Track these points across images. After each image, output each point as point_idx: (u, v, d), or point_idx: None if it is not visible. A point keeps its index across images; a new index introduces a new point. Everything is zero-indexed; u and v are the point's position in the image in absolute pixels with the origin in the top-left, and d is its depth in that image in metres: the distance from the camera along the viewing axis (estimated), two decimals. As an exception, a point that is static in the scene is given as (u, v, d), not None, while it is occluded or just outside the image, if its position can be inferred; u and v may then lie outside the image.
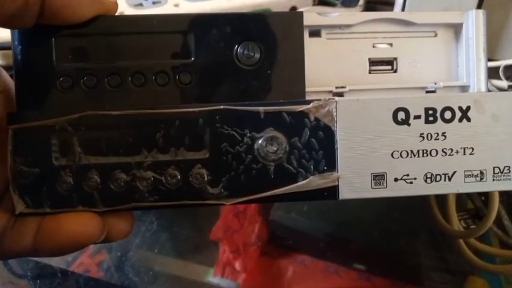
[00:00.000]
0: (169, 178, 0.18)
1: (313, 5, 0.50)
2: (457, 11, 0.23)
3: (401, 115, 0.19)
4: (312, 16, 0.22)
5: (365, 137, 0.19)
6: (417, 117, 0.19)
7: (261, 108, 0.18)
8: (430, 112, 0.19)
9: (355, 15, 0.22)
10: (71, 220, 0.18)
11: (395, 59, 0.23)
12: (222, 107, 0.18)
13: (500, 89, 0.42)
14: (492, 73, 0.43)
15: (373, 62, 0.23)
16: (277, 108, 0.18)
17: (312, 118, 0.19)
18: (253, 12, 0.22)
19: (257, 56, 0.21)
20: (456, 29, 0.23)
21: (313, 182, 0.19)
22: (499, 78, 0.43)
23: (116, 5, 0.21)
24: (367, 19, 0.22)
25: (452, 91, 0.23)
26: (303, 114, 0.19)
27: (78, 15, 0.19)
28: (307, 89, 0.22)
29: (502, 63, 0.44)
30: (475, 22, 0.23)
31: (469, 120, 0.19)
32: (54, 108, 0.19)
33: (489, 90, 0.29)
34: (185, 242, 0.39)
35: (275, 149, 0.18)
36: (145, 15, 0.21)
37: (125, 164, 0.18)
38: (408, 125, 0.19)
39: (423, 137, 0.19)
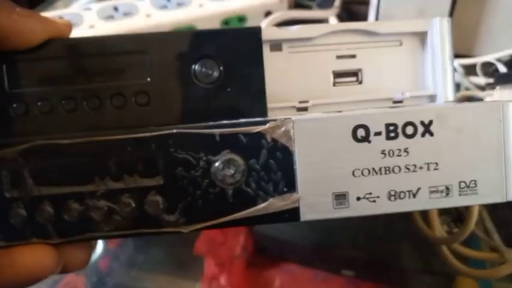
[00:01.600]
0: (123, 207, 0.18)
1: (289, 8, 0.49)
2: (421, 19, 0.23)
3: (361, 132, 0.18)
4: (272, 30, 0.21)
5: (324, 156, 0.18)
6: (378, 133, 0.18)
7: (216, 131, 0.18)
8: (391, 128, 0.18)
9: (316, 27, 0.22)
10: (26, 254, 0.17)
11: (360, 70, 0.23)
12: (174, 130, 0.18)
13: (478, 86, 0.42)
14: (470, 70, 0.44)
15: (337, 74, 0.23)
16: (233, 130, 0.18)
17: (269, 139, 0.18)
18: (209, 29, 0.21)
19: (216, 73, 0.20)
20: (421, 37, 0.23)
21: (274, 204, 0.18)
22: (476, 75, 0.43)
23: (69, 27, 0.20)
24: (329, 31, 0.22)
25: (420, 101, 0.23)
26: (260, 135, 0.18)
27: (29, 40, 0.19)
28: (269, 105, 0.21)
29: (479, 60, 0.44)
30: (439, 30, 0.22)
31: (431, 134, 0.18)
32: (9, 135, 0.19)
33: (466, 99, 0.29)
34: (168, 259, 0.38)
35: (232, 172, 0.18)
36: (98, 36, 0.20)
37: (79, 194, 0.18)
38: (369, 142, 0.18)
39: (385, 154, 0.18)
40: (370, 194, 0.18)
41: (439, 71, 0.22)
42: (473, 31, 0.46)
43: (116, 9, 0.45)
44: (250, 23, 0.47)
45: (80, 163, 0.18)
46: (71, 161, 0.18)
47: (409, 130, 0.18)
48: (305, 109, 0.22)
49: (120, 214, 0.18)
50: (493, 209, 0.32)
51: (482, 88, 0.42)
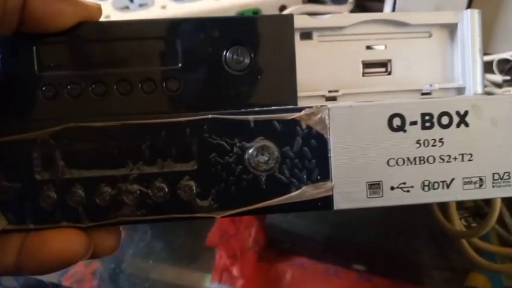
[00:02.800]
0: (156, 191, 0.17)
1: (303, 3, 0.49)
2: (452, 11, 0.22)
3: (397, 121, 0.18)
4: (302, 18, 0.21)
5: (359, 145, 0.18)
6: (414, 123, 0.18)
7: (251, 117, 0.18)
8: (427, 118, 0.18)
9: (347, 16, 0.22)
10: (56, 237, 0.17)
11: (389, 60, 0.22)
12: (209, 116, 0.18)
13: (495, 84, 0.41)
14: (486, 67, 0.42)
15: (367, 65, 0.22)
16: (267, 117, 0.18)
17: (304, 126, 0.18)
18: (241, 16, 0.21)
19: (247, 60, 0.20)
20: (451, 29, 0.23)
21: (307, 192, 0.18)
22: (492, 72, 0.43)
23: (100, 11, 0.20)
24: (360, 20, 0.22)
25: (448, 93, 0.22)
26: (295, 122, 0.18)
27: (60, 23, 0.18)
28: (299, 94, 0.21)
29: (495, 57, 0.44)
30: (470, 22, 0.22)
31: (467, 125, 0.18)
32: (38, 118, 0.18)
33: (485, 92, 0.29)
34: (181, 249, 0.38)
35: (266, 158, 0.18)
36: (129, 20, 0.20)
37: (111, 177, 0.17)
38: (404, 131, 0.18)
39: (420, 144, 0.18)
40: (404, 183, 0.18)
41: (469, 63, 0.22)
42: (489, 28, 0.46)
43: (132, 0, 0.45)
44: None
45: (113, 147, 0.17)
46: (104, 144, 0.17)
47: (444, 120, 0.18)
48: (334, 98, 0.22)
49: (153, 198, 0.17)
50: (510, 204, 0.32)
51: (498, 85, 0.41)
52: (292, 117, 0.18)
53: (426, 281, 0.36)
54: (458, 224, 0.30)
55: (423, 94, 0.22)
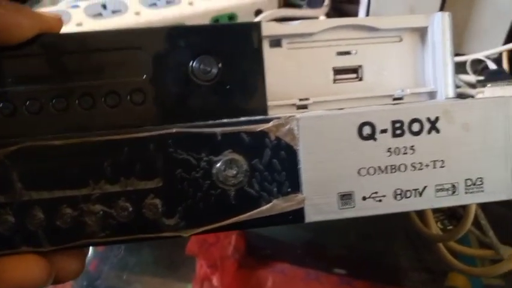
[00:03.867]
0: (119, 211, 0.17)
1: (279, 7, 0.49)
2: (422, 14, 0.22)
3: (367, 130, 0.18)
4: (271, 25, 0.21)
5: (329, 155, 0.18)
6: (384, 131, 0.18)
7: (218, 130, 0.17)
8: (397, 125, 0.18)
9: (316, 22, 0.21)
10: (15, 265, 0.16)
11: (360, 66, 0.22)
12: (174, 130, 0.17)
13: (469, 84, 0.41)
14: (459, 68, 0.43)
15: (337, 71, 0.22)
16: (235, 129, 0.17)
17: (272, 137, 0.17)
18: (208, 25, 0.21)
19: (214, 70, 0.19)
20: (421, 32, 0.22)
21: (278, 205, 0.17)
22: (466, 73, 0.43)
23: (60, 22, 0.19)
24: (329, 26, 0.21)
25: (420, 97, 0.22)
26: (263, 134, 0.17)
27: (17, 36, 0.17)
28: (269, 103, 0.20)
29: (468, 57, 0.43)
30: (440, 25, 0.22)
31: (438, 131, 0.18)
32: None
33: (459, 94, 0.29)
34: (161, 260, 0.37)
35: (235, 172, 0.17)
36: (91, 31, 0.19)
37: (71, 198, 0.17)
38: (375, 139, 0.18)
39: (391, 152, 0.18)
40: (376, 193, 0.18)
41: (440, 67, 0.22)
42: (462, 29, 0.46)
43: (104, 6, 0.44)
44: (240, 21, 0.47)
45: (73, 165, 0.17)
46: (63, 163, 0.17)
47: (415, 127, 0.18)
48: (305, 107, 0.21)
49: (117, 219, 0.17)
50: (486, 207, 0.32)
51: (472, 86, 0.41)
52: (261, 129, 0.17)
53: (406, 283, 0.36)
54: (435, 227, 0.30)
55: (395, 99, 0.22)
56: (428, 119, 0.18)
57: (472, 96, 0.39)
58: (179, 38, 0.19)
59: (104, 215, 0.17)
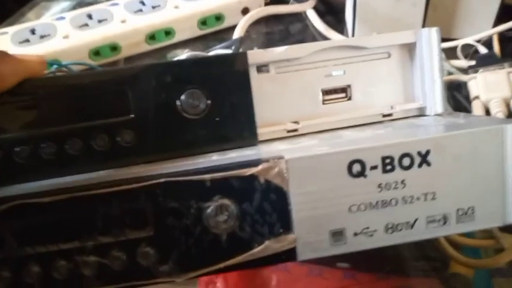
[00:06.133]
0: (114, 260, 0.17)
1: (265, 4, 0.48)
2: (410, 30, 0.22)
3: (357, 167, 0.18)
4: (258, 53, 0.20)
5: (319, 194, 0.18)
6: (374, 167, 0.18)
7: (207, 177, 0.17)
8: (387, 161, 0.18)
9: (303, 47, 0.21)
10: None
11: (349, 86, 0.22)
12: (162, 180, 0.17)
13: (460, 69, 0.41)
14: (450, 53, 0.43)
15: (326, 92, 0.22)
16: (224, 175, 0.17)
17: (262, 180, 0.17)
18: (193, 58, 0.20)
19: (203, 104, 0.19)
20: (409, 48, 0.22)
21: (270, 247, 0.17)
22: (457, 58, 0.42)
23: (43, 65, 0.19)
24: (316, 49, 0.21)
25: (409, 113, 0.22)
26: (253, 178, 0.17)
27: (1, 85, 0.17)
28: (259, 130, 0.20)
29: (459, 42, 0.43)
30: (428, 41, 0.21)
31: (429, 164, 0.18)
32: None
33: (450, 82, 0.28)
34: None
35: (226, 217, 0.17)
36: (76, 74, 0.19)
37: (66, 251, 0.17)
38: (365, 176, 0.18)
39: (382, 188, 0.18)
40: (367, 228, 0.18)
41: (428, 83, 0.22)
42: (452, 14, 0.44)
43: (90, 16, 0.43)
44: (227, 21, 0.46)
45: (65, 220, 0.17)
46: (54, 218, 0.17)
47: (406, 162, 0.18)
48: (295, 130, 0.21)
49: (112, 268, 0.17)
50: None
51: (464, 71, 0.41)
52: (250, 173, 0.17)
53: (410, 272, 0.36)
54: None
55: (384, 116, 0.22)
56: (419, 153, 0.18)
57: (465, 82, 0.39)
58: (165, 74, 0.19)
59: (99, 265, 0.17)
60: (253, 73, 0.20)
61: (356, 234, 0.18)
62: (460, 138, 0.18)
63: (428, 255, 0.35)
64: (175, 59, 0.21)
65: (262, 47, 0.46)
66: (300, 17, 0.51)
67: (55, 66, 0.31)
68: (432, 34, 0.21)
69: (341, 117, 0.22)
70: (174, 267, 0.17)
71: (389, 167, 0.18)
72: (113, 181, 0.17)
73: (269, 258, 0.18)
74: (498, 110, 0.36)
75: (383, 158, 0.18)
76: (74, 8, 0.49)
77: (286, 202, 0.17)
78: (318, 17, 0.48)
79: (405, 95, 0.22)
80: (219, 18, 0.46)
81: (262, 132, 0.21)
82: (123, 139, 0.19)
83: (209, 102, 0.19)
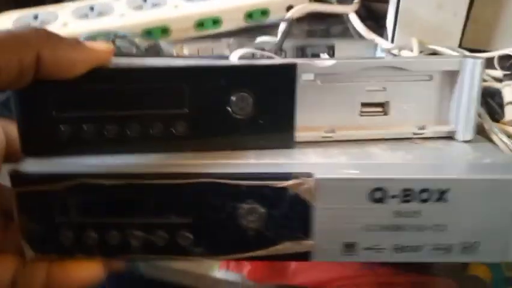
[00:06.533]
0: (158, 238, 0.20)
1: (309, 1, 0.49)
2: (456, 58, 0.22)
3: (378, 194, 0.19)
4: (306, 65, 0.21)
5: (340, 211, 0.20)
6: (394, 196, 0.19)
7: (244, 183, 0.19)
8: (407, 193, 0.19)
9: (350, 63, 0.22)
10: (78, 268, 0.20)
11: (387, 102, 0.23)
12: (207, 180, 0.19)
13: (496, 79, 0.41)
14: (487, 64, 0.42)
15: (365, 105, 0.23)
16: (258, 183, 0.19)
17: (291, 193, 0.19)
18: (247, 64, 0.21)
19: (250, 106, 0.21)
20: (452, 75, 0.22)
21: (289, 247, 0.20)
22: (494, 68, 0.42)
23: (110, 54, 0.21)
24: (362, 67, 0.22)
25: (440, 134, 0.23)
26: (284, 190, 0.19)
27: (72, 72, 0.19)
28: (298, 134, 0.22)
29: (496, 53, 0.43)
30: (471, 71, 0.22)
31: (445, 201, 0.19)
32: (56, 158, 0.21)
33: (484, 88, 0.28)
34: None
35: (255, 218, 0.20)
36: (139, 67, 0.21)
37: (119, 224, 0.20)
38: (384, 203, 0.20)
39: (398, 214, 0.20)
40: (377, 245, 0.20)
41: (463, 110, 0.22)
42: (491, 26, 0.45)
43: (92, 9, 0.45)
44: (272, 17, 0.48)
45: (120, 200, 0.20)
46: (112, 198, 0.20)
47: (424, 195, 0.19)
48: (330, 137, 0.23)
49: (155, 243, 0.20)
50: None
51: (499, 80, 0.40)
52: (281, 185, 0.19)
53: (428, 270, 0.36)
54: None
55: (415, 134, 0.23)
56: (439, 190, 0.19)
57: (499, 90, 0.38)
58: (220, 76, 0.21)
59: (145, 240, 0.20)
60: (299, 81, 0.21)
61: (366, 248, 0.20)
62: (480, 183, 0.19)
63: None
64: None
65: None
66: (342, 19, 0.51)
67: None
68: (476, 65, 0.21)
69: (375, 132, 0.23)
70: (205, 250, 0.20)
71: (407, 198, 0.19)
72: (165, 174, 0.20)
73: (286, 256, 0.20)
74: None
75: (404, 190, 0.19)
76: None
77: (309, 214, 0.20)
78: (359, 21, 0.49)
79: (440, 117, 0.23)
80: (264, 12, 0.48)
81: (300, 135, 0.22)
82: (176, 130, 0.21)
83: (256, 106, 0.21)
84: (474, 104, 0.22)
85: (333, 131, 0.23)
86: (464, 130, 0.23)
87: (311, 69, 0.21)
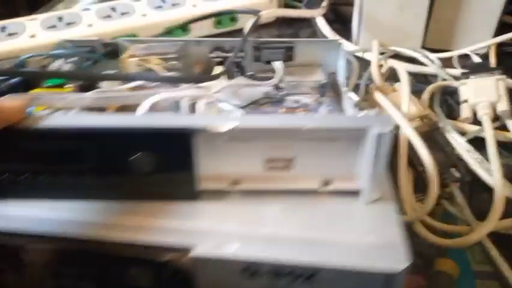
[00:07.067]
0: None
1: (278, 8, 0.49)
2: (363, 124, 0.22)
3: (251, 270, 0.21)
4: (202, 132, 0.22)
5: (217, 282, 0.21)
6: (266, 273, 0.21)
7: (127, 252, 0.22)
8: (279, 270, 0.20)
9: (247, 130, 0.22)
10: None
11: (293, 158, 0.23)
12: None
13: (455, 77, 0.42)
14: (447, 63, 0.46)
15: (270, 160, 0.23)
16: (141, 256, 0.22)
17: (172, 265, 0.21)
18: (146, 127, 0.22)
19: (151, 163, 0.22)
20: (359, 134, 0.22)
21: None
22: (453, 67, 0.45)
23: (21, 112, 0.22)
24: (263, 132, 0.22)
25: (344, 190, 0.23)
26: (162, 264, 0.21)
27: None
28: (201, 185, 0.23)
29: (454, 53, 0.46)
30: (378, 137, 0.21)
31: (314, 282, 0.20)
32: None
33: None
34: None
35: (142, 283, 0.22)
36: (44, 128, 0.22)
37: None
38: (257, 278, 0.21)
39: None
40: None
41: (369, 170, 0.22)
42: (451, 26, 0.46)
43: (113, 9, 0.46)
44: (241, 22, 0.48)
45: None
46: None
47: (294, 275, 0.21)
48: (234, 190, 0.24)
49: None
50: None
51: (457, 78, 0.42)
52: (160, 259, 0.21)
53: None
54: (413, 207, 0.31)
55: (319, 191, 0.24)
56: (306, 272, 0.20)
57: (456, 88, 0.40)
58: (121, 137, 0.22)
59: None
60: (200, 143, 0.22)
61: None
62: (347, 273, 0.20)
63: (415, 252, 0.35)
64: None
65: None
66: (310, 23, 0.51)
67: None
68: (384, 136, 0.21)
69: (279, 185, 0.24)
70: None
71: (279, 275, 0.21)
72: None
73: None
74: (484, 113, 0.37)
75: (276, 267, 0.21)
76: (100, 2, 0.52)
77: (189, 283, 0.22)
78: (326, 24, 0.48)
79: (346, 173, 0.23)
80: (233, 19, 0.48)
81: (204, 185, 0.23)
82: (83, 182, 0.23)
83: (157, 162, 0.22)
84: (381, 165, 0.22)
85: (237, 183, 0.24)
86: (370, 189, 0.23)
87: (208, 136, 0.22)
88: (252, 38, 0.35)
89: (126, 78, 0.31)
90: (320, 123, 0.23)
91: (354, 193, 0.24)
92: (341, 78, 0.34)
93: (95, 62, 0.35)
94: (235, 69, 0.35)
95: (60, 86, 0.32)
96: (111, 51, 0.34)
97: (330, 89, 0.33)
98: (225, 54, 0.35)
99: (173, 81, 0.30)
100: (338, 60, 0.35)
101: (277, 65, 0.34)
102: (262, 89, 0.32)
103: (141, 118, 0.25)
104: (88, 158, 0.22)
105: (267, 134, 0.23)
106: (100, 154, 0.22)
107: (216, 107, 0.29)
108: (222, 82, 0.31)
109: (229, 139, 0.22)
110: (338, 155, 0.23)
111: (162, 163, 0.22)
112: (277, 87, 0.33)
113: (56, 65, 0.33)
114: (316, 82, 0.34)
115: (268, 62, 0.35)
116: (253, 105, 0.31)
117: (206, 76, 0.32)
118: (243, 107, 0.30)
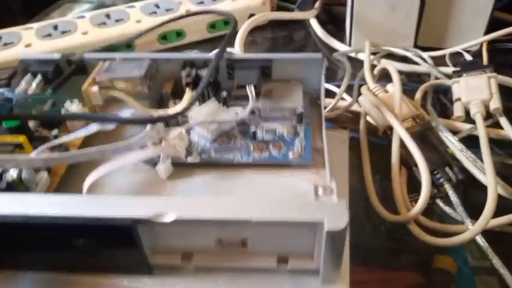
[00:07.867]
0: None
1: (271, 10, 0.49)
2: (313, 216, 0.20)
3: None
4: (143, 224, 0.21)
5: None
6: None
7: None
8: None
9: (187, 221, 0.21)
10: None
11: (245, 238, 0.22)
12: None
13: (447, 75, 0.42)
14: (440, 61, 0.46)
15: (221, 240, 0.22)
16: None
17: None
18: (85, 217, 0.21)
19: (95, 253, 0.22)
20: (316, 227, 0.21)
21: None
22: (446, 65, 0.45)
23: None
24: (210, 220, 0.21)
25: (302, 269, 0.23)
26: None
27: None
28: (153, 259, 0.23)
29: (446, 51, 0.46)
30: (330, 235, 0.20)
31: None
32: None
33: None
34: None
35: None
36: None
37: None
38: None
39: None
40: None
41: (327, 255, 0.21)
42: (443, 25, 0.46)
43: (108, 16, 0.46)
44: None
45: None
46: None
47: None
48: (187, 267, 0.23)
49: None
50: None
51: (449, 76, 0.42)
52: None
53: (394, 266, 0.34)
54: (408, 207, 0.31)
55: (275, 269, 0.23)
56: None
57: (449, 86, 0.40)
58: (63, 229, 0.22)
59: None
60: (143, 227, 0.21)
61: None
62: None
63: (411, 249, 0.34)
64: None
65: (267, 51, 0.48)
66: (304, 24, 0.51)
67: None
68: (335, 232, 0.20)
69: (234, 264, 0.23)
70: None
71: None
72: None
73: None
74: (477, 111, 0.37)
75: None
76: (94, 9, 0.52)
77: None
78: (319, 26, 0.48)
79: (303, 252, 0.22)
80: (227, 22, 0.48)
81: (157, 260, 0.23)
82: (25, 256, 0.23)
83: (105, 246, 0.22)
84: (338, 252, 0.21)
85: (190, 259, 0.23)
86: (325, 272, 0.22)
87: (149, 229, 0.22)
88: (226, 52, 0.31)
89: (85, 118, 0.28)
90: (270, 216, 0.21)
91: (313, 272, 0.23)
92: (322, 96, 0.32)
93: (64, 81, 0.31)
94: (209, 88, 0.31)
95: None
96: (76, 68, 0.31)
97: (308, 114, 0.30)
98: (197, 72, 0.31)
99: (135, 123, 0.28)
100: (321, 77, 0.31)
101: (251, 91, 0.30)
102: (235, 116, 0.29)
103: (81, 206, 0.22)
104: (30, 243, 0.23)
105: (213, 223, 0.21)
106: (41, 239, 0.22)
107: (185, 140, 0.28)
108: (194, 107, 0.29)
109: (176, 224, 0.21)
110: (294, 237, 0.22)
111: (107, 246, 0.22)
112: (252, 111, 0.30)
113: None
114: (294, 106, 0.30)
115: (243, 86, 0.30)
116: (225, 138, 0.29)
117: (167, 116, 0.28)
118: (213, 141, 0.29)
